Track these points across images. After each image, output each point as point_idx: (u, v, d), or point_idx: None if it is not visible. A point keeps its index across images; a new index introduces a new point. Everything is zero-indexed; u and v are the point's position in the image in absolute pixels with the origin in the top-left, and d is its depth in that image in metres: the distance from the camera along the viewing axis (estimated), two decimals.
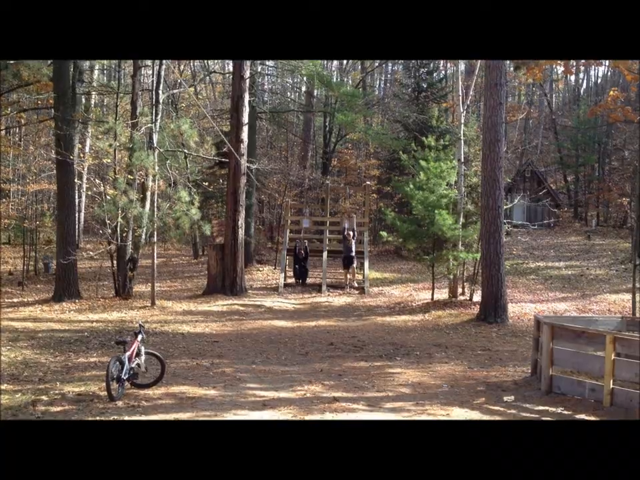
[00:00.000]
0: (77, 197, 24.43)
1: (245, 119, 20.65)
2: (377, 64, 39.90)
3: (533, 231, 30.01)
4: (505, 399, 8.15)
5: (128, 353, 8.13)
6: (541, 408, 7.63)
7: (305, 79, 34.18)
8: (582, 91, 48.66)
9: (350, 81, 41.13)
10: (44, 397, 7.87)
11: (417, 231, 18.65)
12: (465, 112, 20.56)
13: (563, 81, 50.74)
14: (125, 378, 7.95)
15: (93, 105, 34.06)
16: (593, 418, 7.09)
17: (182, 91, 32.04)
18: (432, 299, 18.77)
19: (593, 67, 40.44)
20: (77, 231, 24.82)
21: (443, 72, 40.48)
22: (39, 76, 19.57)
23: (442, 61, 36.84)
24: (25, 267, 24.12)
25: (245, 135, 20.67)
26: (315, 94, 37.80)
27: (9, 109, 24.00)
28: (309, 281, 22.67)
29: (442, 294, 19.31)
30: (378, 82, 49.13)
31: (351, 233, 21.38)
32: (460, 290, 19.03)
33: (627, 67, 11.36)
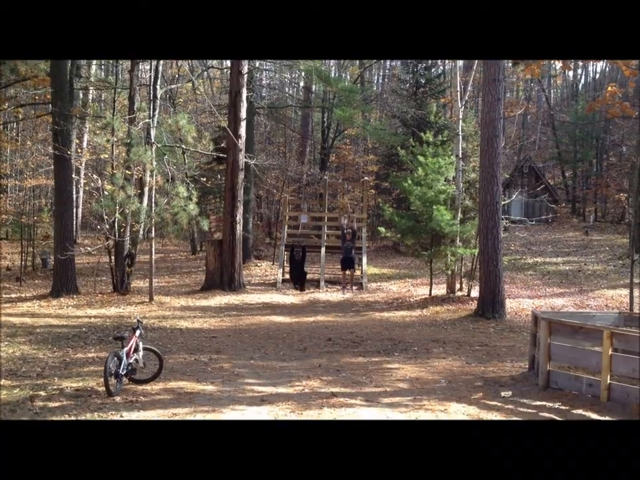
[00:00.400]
0: (74, 192, 24.39)
1: (243, 114, 20.61)
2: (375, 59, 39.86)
3: (531, 227, 30.04)
4: (503, 394, 8.16)
5: (126, 349, 8.13)
6: (538, 403, 7.65)
7: (303, 74, 34.11)
8: (580, 87, 48.68)
9: (348, 77, 41.09)
10: (42, 393, 7.87)
11: (415, 226, 18.66)
12: (463, 107, 20.55)
13: (561, 77, 50.72)
14: (123, 373, 7.95)
15: (90, 100, 34.00)
16: (590, 413, 7.12)
17: (179, 86, 31.99)
18: (430, 294, 18.78)
19: (591, 62, 40.36)
20: (74, 226, 24.79)
21: (441, 67, 40.44)
22: (36, 71, 19.55)
23: None
24: (23, 263, 24.10)
25: (242, 131, 20.63)
26: (313, 89, 37.75)
27: (6, 104, 23.94)
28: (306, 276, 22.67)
29: (440, 289, 19.33)
30: (376, 77, 49.09)
31: (351, 231, 19.62)
32: (458, 285, 19.05)
33: (625, 63, 11.35)
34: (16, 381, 8.61)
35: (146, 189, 19.34)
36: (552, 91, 51.35)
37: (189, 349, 11.27)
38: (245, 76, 20.93)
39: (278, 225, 30.21)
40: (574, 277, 21.34)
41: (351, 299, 18.95)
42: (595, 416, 7.02)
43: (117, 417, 6.78)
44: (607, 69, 44.89)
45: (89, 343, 11.74)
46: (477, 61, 22.51)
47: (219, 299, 18.65)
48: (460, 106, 19.95)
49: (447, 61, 41.25)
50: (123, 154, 21.89)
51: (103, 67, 38.47)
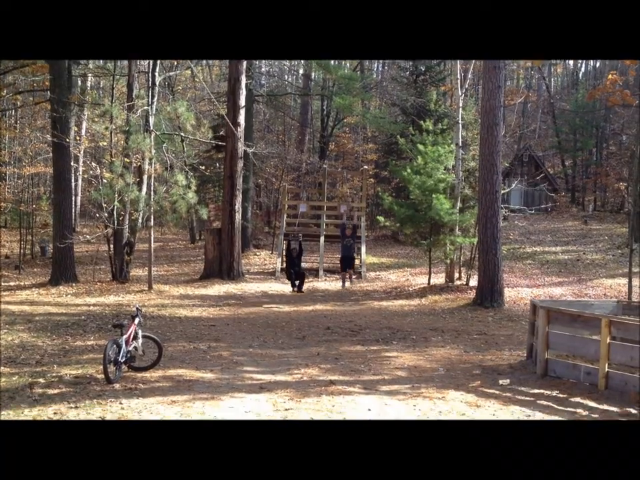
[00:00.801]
0: (73, 180, 24.37)
1: (242, 102, 20.54)
2: None
3: (530, 216, 30.04)
4: (501, 382, 8.18)
5: (125, 336, 8.14)
6: (536, 391, 7.67)
7: (302, 61, 33.98)
8: (580, 75, 48.54)
9: (348, 64, 40.92)
10: (41, 380, 7.89)
11: (414, 215, 18.64)
12: (463, 95, 20.48)
13: (561, 65, 50.56)
14: (122, 361, 7.96)
15: (89, 88, 33.87)
16: (587, 401, 7.14)
17: (178, 74, 31.86)
18: (429, 283, 18.80)
19: None
20: (73, 214, 24.77)
21: None
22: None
23: None
24: (22, 251, 24.09)
25: (241, 118, 20.57)
26: (313, 77, 37.61)
27: (5, 91, 23.84)
28: (305, 265, 22.65)
29: (439, 279, 19.35)
30: (376, 65, 48.83)
31: (351, 226, 18.62)
32: (457, 275, 19.07)
33: None
34: (15, 368, 8.63)
35: (145, 177, 19.30)
36: (552, 79, 51.20)
37: (187, 337, 11.28)
38: (244, 63, 20.84)
39: (277, 213, 30.19)
40: (573, 266, 21.36)
41: (350, 288, 18.97)
42: (592, 404, 7.05)
43: (116, 404, 6.81)
44: None
45: (88, 331, 11.75)
46: None
47: (218, 288, 18.66)
48: (460, 94, 19.88)
49: None
50: (122, 142, 21.86)
51: None
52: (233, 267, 20.25)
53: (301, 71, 40.13)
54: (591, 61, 48.86)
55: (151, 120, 18.79)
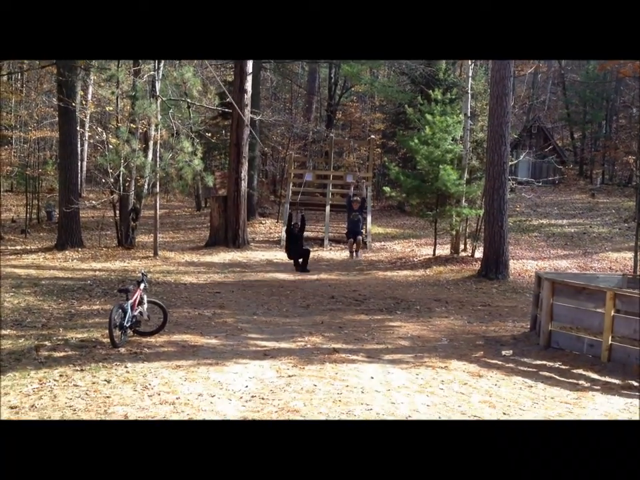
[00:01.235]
0: (79, 145, 24.29)
1: (249, 68, 20.33)
2: None
3: (537, 188, 29.83)
4: (503, 352, 8.22)
5: (131, 301, 8.18)
6: (538, 362, 7.70)
7: None
8: None
9: None
10: (47, 343, 7.96)
11: (421, 186, 18.54)
12: (472, 65, 20.21)
13: None
14: (127, 325, 8.02)
15: None
16: (590, 373, 7.17)
17: None
18: (434, 254, 18.79)
19: None
20: (79, 179, 24.75)
21: None
22: None
23: None
24: (28, 215, 24.14)
25: (248, 85, 20.39)
26: None
27: None
28: (309, 234, 22.57)
29: (444, 250, 19.34)
30: None
31: (359, 199, 15.70)
32: (462, 246, 19.04)
33: None
34: (21, 331, 8.70)
35: (151, 143, 19.21)
36: None
37: (192, 304, 11.34)
38: None
39: (283, 182, 30.09)
40: (579, 239, 21.30)
41: (355, 258, 18.95)
42: (594, 376, 7.07)
43: (121, 368, 6.87)
44: None
45: (94, 296, 11.82)
46: None
47: (223, 255, 18.71)
48: (470, 63, 19.61)
49: None
50: (128, 107, 21.72)
51: None
52: (238, 234, 20.27)
53: None
54: None
55: (157, 85, 18.64)
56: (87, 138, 29.98)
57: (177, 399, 5.82)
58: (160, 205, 20.18)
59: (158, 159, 18.56)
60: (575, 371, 7.30)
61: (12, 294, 11.59)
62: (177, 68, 22.42)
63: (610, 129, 39.72)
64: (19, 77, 31.05)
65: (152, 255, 18.24)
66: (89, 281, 13.40)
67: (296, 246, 15.31)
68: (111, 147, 20.09)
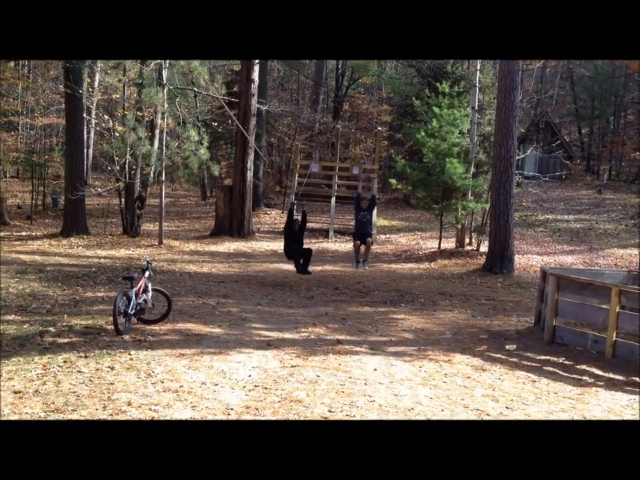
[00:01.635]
0: (85, 132, 24.29)
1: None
2: None
3: (544, 183, 29.74)
4: (507, 347, 8.21)
5: (135, 289, 8.19)
6: (542, 357, 7.68)
7: None
8: None
9: None
10: (51, 329, 7.97)
11: (427, 179, 18.49)
12: None
13: None
14: (131, 313, 8.02)
15: None
16: (593, 369, 7.16)
17: None
18: (439, 248, 18.77)
19: None
20: (85, 167, 24.77)
21: None
22: None
23: None
24: (34, 201, 24.18)
25: (255, 75, 20.31)
26: None
27: None
28: (314, 226, 22.53)
29: (449, 243, 19.30)
30: None
31: (368, 196, 13.99)
32: (467, 240, 19.01)
33: None
34: (26, 316, 8.72)
35: (157, 132, 19.20)
36: None
37: (197, 293, 11.35)
38: None
39: (288, 173, 30.05)
40: (584, 235, 21.23)
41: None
42: (598, 371, 7.06)
43: (125, 355, 6.88)
44: None
45: (99, 283, 11.84)
46: None
47: (228, 245, 18.72)
48: None
49: None
50: (135, 95, 21.68)
51: None
52: (243, 224, 20.27)
53: None
54: None
55: (164, 73, 18.60)
56: (93, 125, 29.98)
57: (180, 387, 5.83)
58: (165, 194, 20.18)
59: (164, 147, 18.55)
60: (578, 366, 7.29)
61: (17, 280, 11.61)
62: None
63: (618, 125, 39.51)
64: (26, 63, 31.02)
65: (157, 243, 18.26)
66: (93, 268, 13.42)
67: (296, 245, 13.40)
68: (117, 134, 20.06)
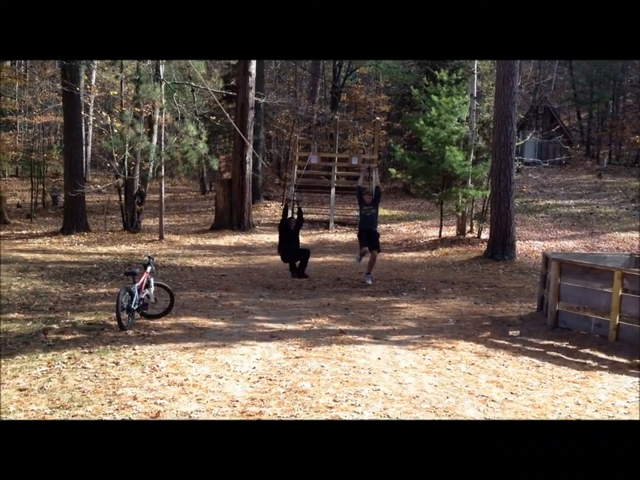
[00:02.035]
0: (84, 129, 24.26)
1: None
2: None
3: (544, 169, 29.66)
4: (511, 333, 8.21)
5: (137, 284, 8.19)
6: (546, 342, 7.68)
7: None
8: None
9: None
10: (55, 326, 7.98)
11: (427, 167, 18.46)
12: None
13: None
14: (134, 308, 8.03)
15: None
16: (597, 352, 7.16)
17: None
18: (440, 236, 18.76)
19: None
20: (84, 164, 24.75)
21: None
22: None
23: None
24: (33, 200, 24.18)
25: (253, 68, 20.27)
26: None
27: None
28: (314, 217, 22.51)
29: (450, 231, 19.29)
30: None
31: (373, 190, 13.30)
32: (468, 227, 18.99)
33: None
34: (29, 314, 8.73)
35: (155, 127, 19.20)
36: None
37: (199, 287, 11.36)
38: None
39: (288, 165, 30.00)
40: (586, 219, 21.21)
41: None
42: (602, 355, 7.06)
43: (129, 350, 6.89)
44: None
45: (101, 279, 11.85)
46: None
47: (229, 238, 18.73)
48: None
49: None
50: (132, 91, 21.65)
51: None
52: (243, 217, 20.27)
53: None
54: None
55: (161, 69, 18.56)
56: (91, 122, 29.95)
57: (185, 380, 5.84)
58: (165, 189, 20.17)
59: (163, 142, 18.53)
60: (582, 350, 7.29)
61: (19, 278, 11.63)
62: None
63: (617, 109, 39.38)
64: (23, 62, 30.97)
65: (157, 238, 18.26)
66: (95, 265, 13.43)
67: (292, 246, 11.99)
68: (115, 131, 20.05)
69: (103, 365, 6.31)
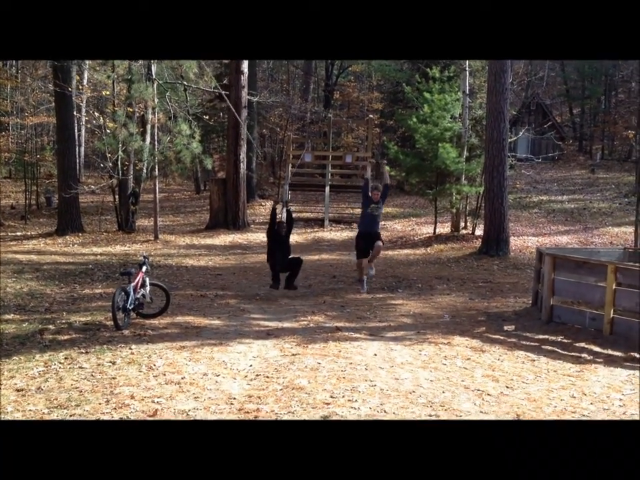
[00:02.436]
0: (76, 130, 24.20)
1: None
2: None
3: (537, 165, 29.78)
4: (506, 328, 8.26)
5: (133, 284, 8.20)
6: (541, 337, 7.73)
7: None
8: None
9: None
10: (51, 326, 7.98)
11: (420, 164, 18.50)
12: None
13: None
14: (130, 308, 8.04)
15: None
16: (592, 346, 7.20)
17: None
18: (434, 233, 18.80)
19: None
20: (77, 164, 24.70)
21: None
22: None
23: None
24: (27, 201, 24.12)
25: (245, 67, 20.26)
26: None
27: None
28: (309, 215, 22.51)
29: (444, 228, 19.34)
30: None
31: (380, 186, 11.25)
32: (462, 224, 19.04)
33: None
34: (25, 315, 8.73)
35: (148, 127, 19.17)
36: None
37: (194, 286, 11.37)
38: None
39: (282, 164, 30.00)
40: (579, 214, 21.29)
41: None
42: (597, 349, 7.10)
43: (126, 350, 6.90)
44: None
45: (96, 280, 11.85)
46: None
47: (224, 238, 18.73)
48: None
49: None
50: (124, 91, 21.60)
51: None
52: (238, 217, 20.26)
53: None
54: None
55: (153, 68, 18.52)
56: (84, 123, 29.88)
57: (182, 378, 5.85)
58: (159, 189, 20.15)
59: (156, 142, 18.50)
60: (577, 344, 7.33)
61: (14, 279, 11.61)
62: None
63: (609, 104, 39.53)
64: (14, 63, 30.85)
65: (152, 238, 18.25)
66: (90, 265, 13.41)
67: (282, 253, 10.75)
68: (108, 131, 20.02)
69: (99, 365, 6.32)
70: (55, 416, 4.89)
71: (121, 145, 17.88)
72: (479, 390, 5.62)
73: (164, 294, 8.75)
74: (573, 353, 7.00)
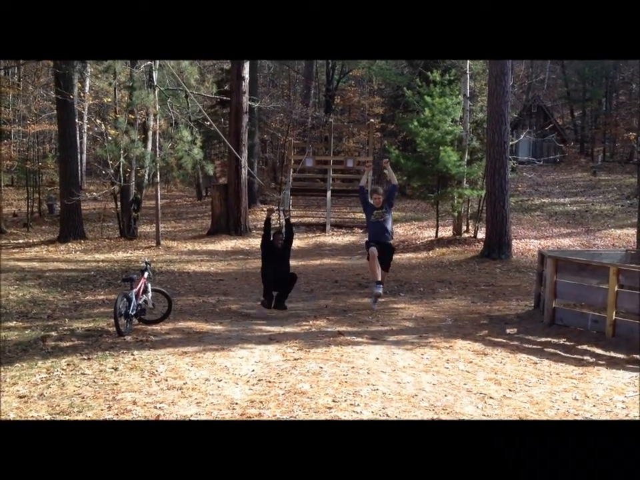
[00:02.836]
0: (78, 137, 24.27)
1: None
2: None
3: (539, 167, 29.76)
4: (508, 331, 8.24)
5: (135, 290, 8.20)
6: (543, 339, 7.71)
7: None
8: None
9: None
10: (53, 333, 7.99)
11: (422, 168, 18.50)
12: None
13: None
14: (132, 314, 8.04)
15: None
16: (594, 348, 7.18)
17: None
18: (436, 236, 18.79)
19: None
20: (79, 172, 24.76)
21: None
22: None
23: None
24: (29, 209, 24.17)
25: (246, 72, 20.30)
26: None
27: None
28: (311, 220, 22.50)
29: (446, 232, 19.33)
30: None
31: (381, 190, 9.73)
32: (464, 227, 19.04)
33: None
34: (27, 322, 8.74)
35: (150, 133, 19.22)
36: None
37: (196, 291, 11.37)
38: None
39: (283, 169, 30.04)
40: (581, 217, 21.27)
41: (357, 242, 18.96)
42: (599, 351, 7.08)
43: (128, 356, 6.90)
44: None
45: (98, 286, 11.86)
46: None
47: (225, 243, 18.74)
48: None
49: None
50: (126, 98, 21.67)
51: None
52: (239, 222, 20.28)
53: None
54: None
55: (155, 75, 18.58)
56: (85, 130, 29.96)
57: (184, 384, 5.85)
58: (161, 195, 20.18)
59: (157, 149, 18.55)
60: (579, 346, 7.31)
61: (16, 286, 11.63)
62: None
63: (610, 106, 39.53)
64: (16, 70, 30.94)
65: (154, 244, 18.27)
66: (92, 272, 13.43)
67: (274, 268, 9.32)
68: (110, 138, 20.08)
69: (101, 371, 6.32)
70: None
71: (122, 152, 17.91)
72: (481, 393, 5.61)
73: (166, 300, 8.76)
74: (575, 356, 6.98)
